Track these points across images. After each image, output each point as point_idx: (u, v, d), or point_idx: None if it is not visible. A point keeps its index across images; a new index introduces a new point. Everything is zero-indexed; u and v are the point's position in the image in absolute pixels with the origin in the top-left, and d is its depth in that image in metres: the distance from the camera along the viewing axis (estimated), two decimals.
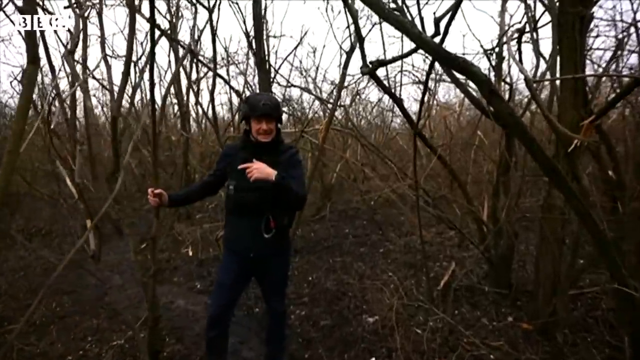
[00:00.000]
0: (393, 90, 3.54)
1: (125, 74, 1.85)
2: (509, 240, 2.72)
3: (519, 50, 1.84)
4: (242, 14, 3.69)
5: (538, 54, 2.10)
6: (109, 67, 6.29)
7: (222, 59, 5.80)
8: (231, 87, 4.15)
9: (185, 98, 5.55)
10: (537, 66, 2.41)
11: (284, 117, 6.79)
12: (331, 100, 4.64)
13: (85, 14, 4.15)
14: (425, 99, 6.52)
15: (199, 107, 6.00)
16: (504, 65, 3.26)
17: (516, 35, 2.08)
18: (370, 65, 1.88)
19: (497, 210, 3.05)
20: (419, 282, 3.25)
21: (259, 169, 1.58)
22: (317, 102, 6.08)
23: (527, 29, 2.15)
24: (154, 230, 1.87)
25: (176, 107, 6.32)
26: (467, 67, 1.02)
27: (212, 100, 3.42)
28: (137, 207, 6.31)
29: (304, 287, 3.29)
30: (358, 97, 6.15)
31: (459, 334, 2.30)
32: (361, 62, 2.03)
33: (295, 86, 4.10)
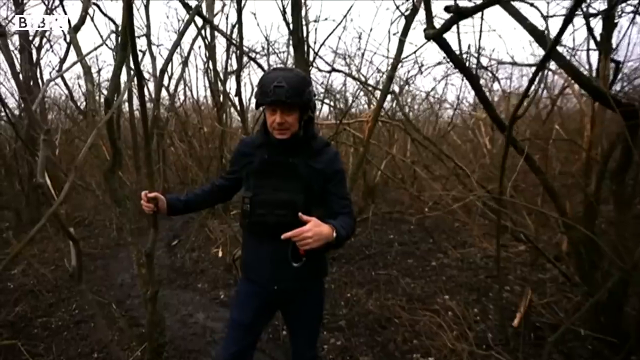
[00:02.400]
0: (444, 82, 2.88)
1: (123, 47, 1.46)
2: (622, 271, 1.99)
3: None
4: None
5: None
6: (153, 59, 6.29)
7: (263, 48, 5.47)
8: (264, 71, 3.73)
9: (221, 88, 5.27)
10: None
11: (325, 109, 6.31)
12: (379, 86, 4.05)
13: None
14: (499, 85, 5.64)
15: (236, 98, 5.69)
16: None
17: None
18: (441, 25, 1.30)
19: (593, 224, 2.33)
20: (484, 311, 2.61)
21: (315, 235, 1.11)
22: (360, 94, 5.54)
23: None
24: (150, 244, 1.48)
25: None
26: None
27: (237, 84, 3.02)
28: None
29: (341, 306, 2.79)
30: (407, 85, 5.46)
31: None
32: (425, 24, 1.47)
33: (336, 70, 3.58)
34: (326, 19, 4.97)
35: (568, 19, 1.09)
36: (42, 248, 4.35)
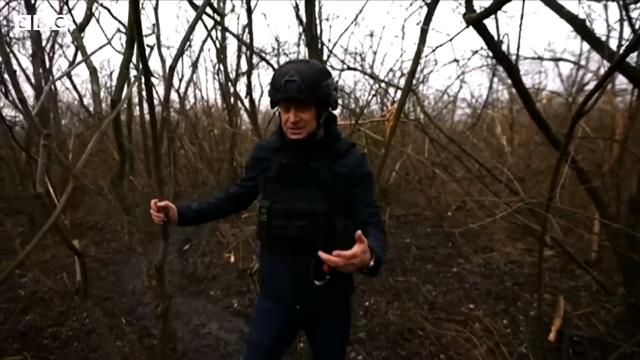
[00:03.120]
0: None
1: (129, 44, 1.36)
2: None
3: None
4: None
5: None
6: (163, 62, 6.26)
7: (273, 49, 5.39)
8: (274, 69, 3.63)
9: (232, 90, 5.19)
10: None
11: (337, 109, 6.19)
12: (394, 82, 3.91)
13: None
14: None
15: (246, 100, 5.60)
16: None
17: None
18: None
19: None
20: (515, 322, 2.44)
21: (356, 261, 0.93)
22: (372, 93, 5.40)
23: None
24: (161, 256, 1.36)
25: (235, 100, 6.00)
26: None
27: (248, 85, 2.92)
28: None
29: (360, 316, 2.65)
30: (423, 84, 5.31)
31: None
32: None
33: (352, 68, 3.45)
34: (337, 17, 4.86)
35: None
36: (53, 253, 4.32)
